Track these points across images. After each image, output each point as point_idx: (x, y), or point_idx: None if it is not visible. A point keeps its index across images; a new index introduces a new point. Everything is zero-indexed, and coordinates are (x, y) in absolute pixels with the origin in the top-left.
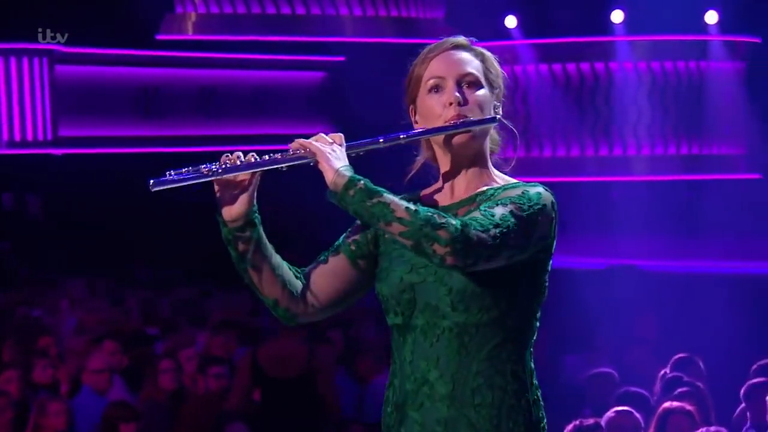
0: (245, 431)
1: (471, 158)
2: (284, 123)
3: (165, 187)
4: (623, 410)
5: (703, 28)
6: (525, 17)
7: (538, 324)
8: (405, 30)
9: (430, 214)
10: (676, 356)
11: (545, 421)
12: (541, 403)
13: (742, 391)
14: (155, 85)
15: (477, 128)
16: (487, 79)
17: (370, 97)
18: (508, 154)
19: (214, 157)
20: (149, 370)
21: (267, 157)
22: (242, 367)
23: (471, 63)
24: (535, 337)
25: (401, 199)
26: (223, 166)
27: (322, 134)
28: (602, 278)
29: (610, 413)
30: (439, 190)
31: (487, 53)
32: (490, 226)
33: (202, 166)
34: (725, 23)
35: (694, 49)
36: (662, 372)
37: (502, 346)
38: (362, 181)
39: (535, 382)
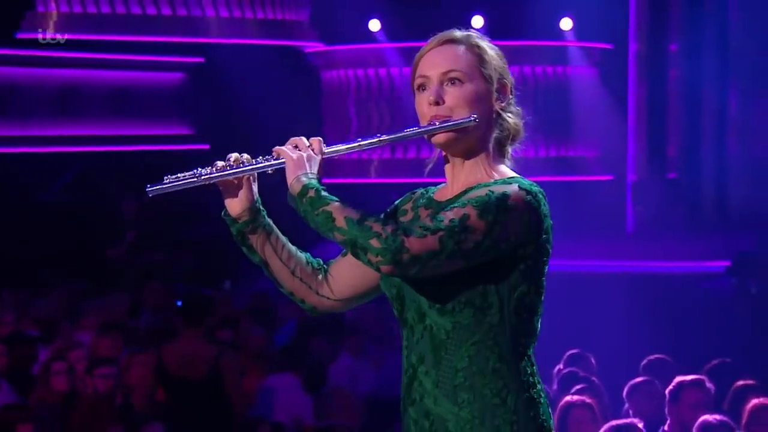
0: (162, 431)
1: (464, 154)
2: (144, 123)
3: (161, 192)
4: None
5: (560, 34)
6: (389, 21)
7: (534, 324)
8: (269, 32)
9: (369, 223)
10: (569, 352)
11: (544, 419)
12: (540, 401)
13: (624, 391)
14: (13, 85)
15: (449, 129)
16: (480, 73)
17: (231, 98)
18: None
19: (75, 157)
20: (40, 372)
21: (255, 160)
22: (146, 367)
23: (459, 59)
24: (531, 337)
25: (399, 206)
26: (215, 170)
27: (303, 138)
28: None
29: None
30: (445, 186)
31: (484, 45)
32: (428, 233)
33: (196, 171)
34: (579, 30)
35: (552, 54)
36: (557, 368)
37: (482, 344)
38: (313, 190)
39: (531, 380)
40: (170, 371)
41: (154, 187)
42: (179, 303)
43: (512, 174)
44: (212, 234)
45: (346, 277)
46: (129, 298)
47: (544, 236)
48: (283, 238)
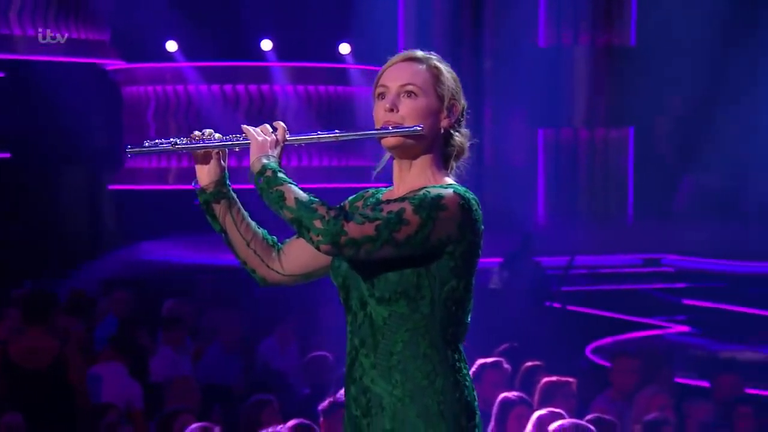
0: (20, 419)
1: (411, 159)
2: None
3: (139, 153)
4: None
5: (340, 57)
6: (185, 41)
7: (462, 316)
8: (73, 50)
9: (315, 205)
10: None
11: (469, 400)
12: (465, 384)
13: None
14: None
15: (399, 135)
16: (434, 90)
17: (35, 110)
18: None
19: None
20: None
21: (225, 137)
22: None
23: (417, 75)
24: (459, 328)
25: (353, 202)
26: (190, 140)
27: (267, 125)
28: None
29: (340, 393)
30: (393, 188)
31: (442, 68)
32: (367, 221)
33: (173, 139)
34: (357, 53)
35: (334, 75)
36: None
37: (415, 332)
38: (271, 170)
39: (457, 365)
40: (16, 363)
41: (134, 149)
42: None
43: (456, 183)
44: (18, 233)
45: (297, 256)
46: None
47: (474, 238)
48: (245, 213)
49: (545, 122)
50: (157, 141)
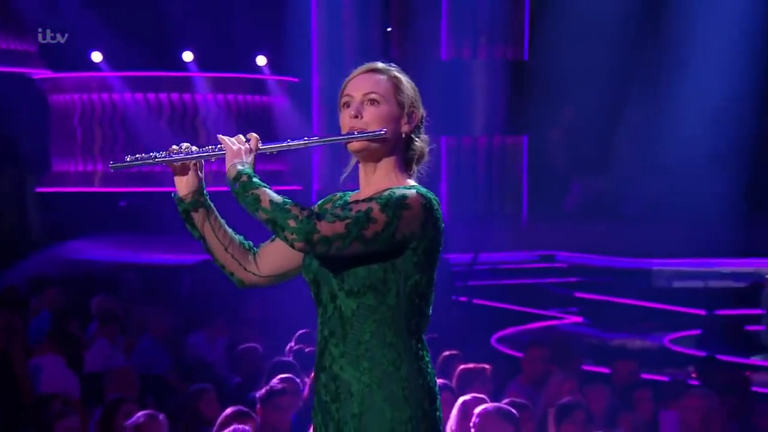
0: None
1: (375, 163)
2: None
3: (122, 167)
4: (287, 377)
5: (257, 68)
6: (110, 52)
7: (424, 308)
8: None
9: (288, 207)
10: (299, 332)
11: (431, 386)
12: (428, 370)
13: None
14: None
15: (364, 139)
16: (395, 98)
17: None
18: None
19: None
20: None
21: (201, 149)
22: None
23: (379, 84)
24: (422, 319)
25: (321, 206)
26: (169, 153)
27: (240, 135)
28: (198, 270)
29: (275, 381)
30: (359, 191)
31: (404, 79)
32: (338, 220)
33: (153, 153)
34: (273, 64)
35: (251, 85)
36: (289, 345)
37: (382, 322)
38: (246, 175)
39: (420, 353)
40: None
41: (117, 164)
42: None
43: (417, 185)
44: None
45: (272, 258)
46: None
47: (436, 236)
48: (222, 221)
49: (447, 130)
50: (137, 156)
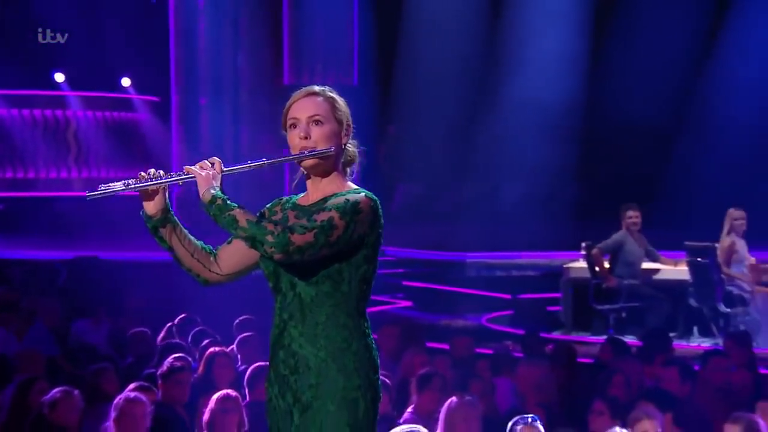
0: None
1: (322, 173)
2: None
3: (97, 197)
4: (181, 356)
5: (123, 88)
6: None
7: (369, 293)
8: None
9: (264, 224)
10: (180, 315)
11: (376, 360)
12: (372, 346)
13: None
14: None
15: (315, 156)
16: (333, 116)
17: None
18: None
19: None
20: None
21: (169, 175)
22: None
23: (320, 106)
24: (367, 302)
25: (271, 208)
26: (139, 180)
27: (206, 161)
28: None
29: (173, 360)
30: (306, 195)
31: (337, 98)
32: (306, 231)
33: (125, 181)
34: (137, 85)
35: (118, 103)
36: (171, 326)
37: (337, 306)
38: (220, 199)
39: (367, 332)
40: None
41: (93, 193)
42: None
43: (356, 187)
44: None
45: (230, 258)
46: None
47: (380, 231)
48: (186, 231)
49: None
50: (111, 184)
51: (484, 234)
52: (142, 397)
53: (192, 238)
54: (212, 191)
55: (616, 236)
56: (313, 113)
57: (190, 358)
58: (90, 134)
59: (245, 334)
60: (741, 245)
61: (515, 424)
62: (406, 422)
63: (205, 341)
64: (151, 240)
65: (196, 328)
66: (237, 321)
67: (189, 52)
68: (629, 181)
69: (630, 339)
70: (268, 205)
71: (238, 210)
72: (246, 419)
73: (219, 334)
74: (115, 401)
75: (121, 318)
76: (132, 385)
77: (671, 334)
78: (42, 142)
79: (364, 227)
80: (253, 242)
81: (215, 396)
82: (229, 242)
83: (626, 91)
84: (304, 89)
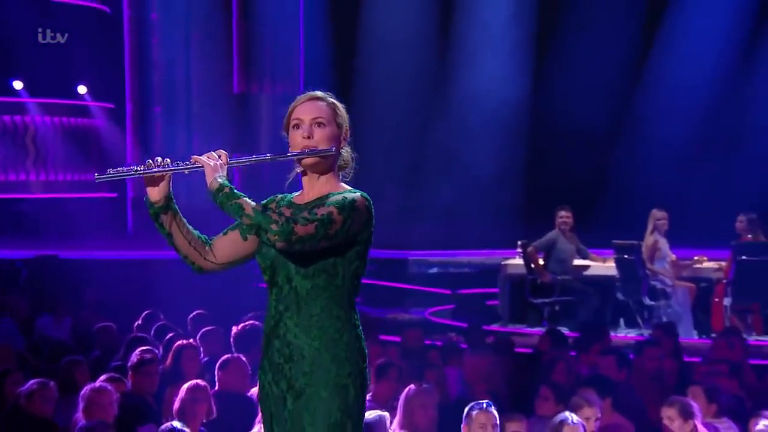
0: None
1: (320, 173)
2: None
3: (105, 180)
4: (148, 348)
5: (79, 96)
6: None
7: (359, 286)
8: None
9: (268, 213)
10: (146, 312)
11: (365, 350)
12: (362, 337)
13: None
14: None
15: (317, 155)
16: (335, 120)
17: None
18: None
19: None
20: None
21: (176, 163)
22: None
23: (322, 110)
24: (357, 295)
25: (265, 205)
26: (147, 167)
27: (212, 152)
28: (34, 264)
29: (142, 352)
30: (302, 193)
31: (338, 104)
32: (308, 223)
33: (133, 167)
34: (93, 92)
35: (75, 109)
36: (136, 323)
37: (330, 299)
38: (227, 188)
39: (357, 323)
40: None
41: (101, 176)
42: None
43: (350, 188)
44: None
45: (225, 249)
46: None
47: (372, 229)
48: (184, 220)
49: (239, 147)
50: (119, 168)
51: (426, 234)
52: (108, 386)
53: (190, 227)
54: (219, 180)
55: (549, 235)
56: (316, 115)
57: (156, 351)
58: (48, 139)
59: (207, 328)
60: (663, 243)
61: (471, 409)
62: (366, 410)
63: (169, 335)
64: (107, 240)
65: (159, 323)
66: (191, 315)
67: (143, 62)
68: (564, 183)
69: (563, 330)
70: (263, 202)
71: (244, 199)
72: (214, 407)
73: (180, 328)
74: (81, 392)
75: (82, 314)
76: (103, 377)
77: None
78: (2, 147)
79: (359, 225)
80: (257, 229)
81: (185, 386)
82: (225, 233)
83: (566, 97)
84: (308, 94)
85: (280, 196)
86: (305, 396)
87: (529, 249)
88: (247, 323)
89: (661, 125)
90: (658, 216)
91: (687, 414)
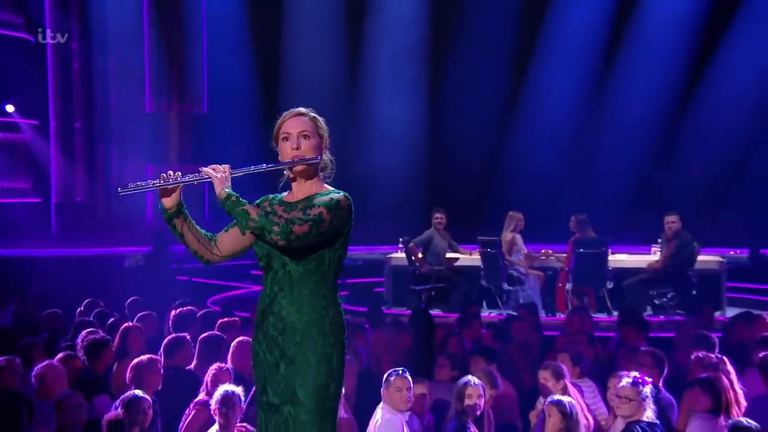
0: None
1: (307, 177)
2: None
3: (127, 193)
4: (95, 330)
5: (7, 113)
6: None
7: (340, 270)
8: None
9: (270, 218)
10: (86, 300)
11: (344, 324)
12: (342, 313)
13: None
14: None
15: (305, 163)
16: (317, 132)
17: None
18: None
19: None
20: None
21: (187, 176)
22: None
23: (306, 124)
24: (338, 277)
25: (260, 204)
26: (162, 181)
27: (217, 165)
28: None
29: (86, 333)
30: (291, 193)
31: (319, 118)
32: (303, 223)
33: (150, 181)
34: (21, 110)
35: (6, 125)
36: (78, 309)
37: (318, 281)
38: (234, 196)
39: (338, 301)
40: None
41: (124, 189)
42: None
43: (332, 188)
44: None
45: (227, 243)
46: None
47: (352, 222)
48: (193, 222)
49: (151, 160)
50: (139, 183)
51: None
52: (54, 363)
53: (197, 226)
54: (227, 189)
55: (426, 233)
56: (302, 129)
57: (101, 332)
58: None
59: (143, 312)
60: (519, 239)
61: (389, 375)
62: None
63: (111, 319)
64: (34, 240)
65: (98, 309)
66: (128, 301)
67: (65, 85)
68: (442, 188)
69: (436, 311)
70: (257, 201)
71: (249, 205)
72: (160, 380)
73: (117, 313)
74: (33, 371)
75: (26, 304)
76: (59, 356)
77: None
78: None
79: (343, 220)
80: (261, 231)
81: (141, 358)
82: (226, 230)
83: (458, 111)
84: (293, 110)
85: (272, 195)
86: (296, 362)
87: (410, 244)
88: (184, 309)
89: (530, 144)
90: (515, 216)
91: (558, 375)
